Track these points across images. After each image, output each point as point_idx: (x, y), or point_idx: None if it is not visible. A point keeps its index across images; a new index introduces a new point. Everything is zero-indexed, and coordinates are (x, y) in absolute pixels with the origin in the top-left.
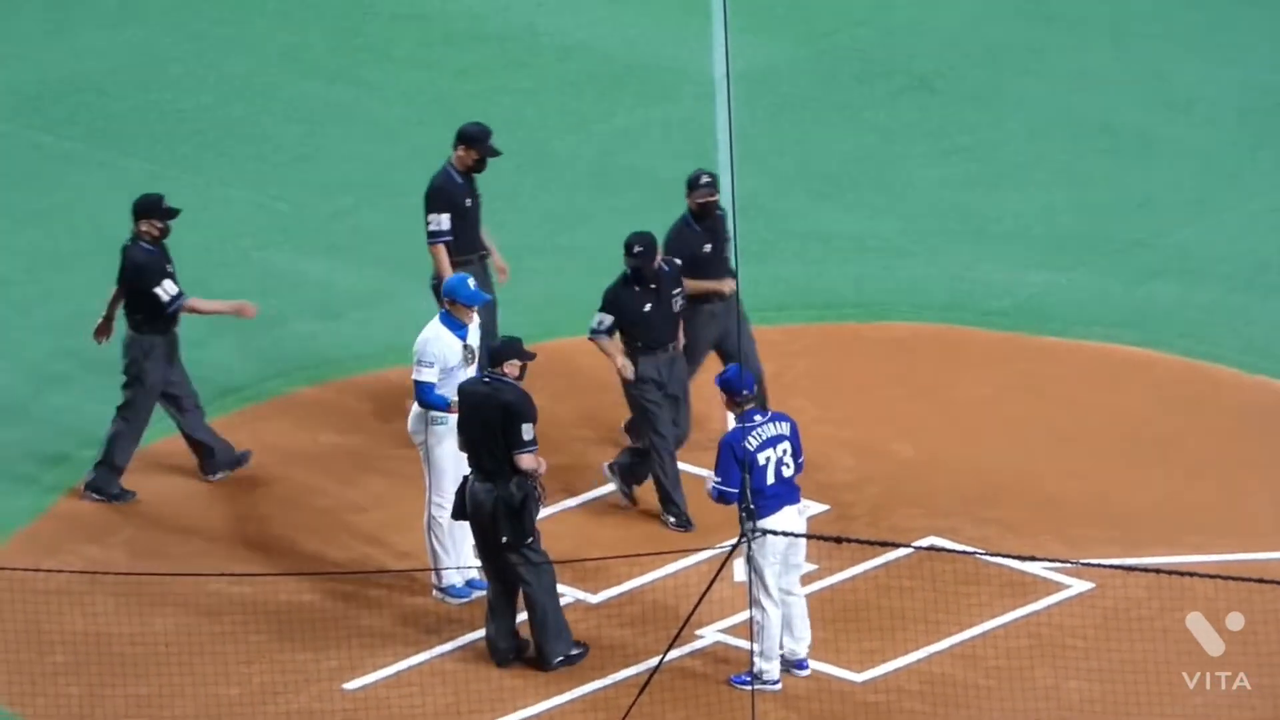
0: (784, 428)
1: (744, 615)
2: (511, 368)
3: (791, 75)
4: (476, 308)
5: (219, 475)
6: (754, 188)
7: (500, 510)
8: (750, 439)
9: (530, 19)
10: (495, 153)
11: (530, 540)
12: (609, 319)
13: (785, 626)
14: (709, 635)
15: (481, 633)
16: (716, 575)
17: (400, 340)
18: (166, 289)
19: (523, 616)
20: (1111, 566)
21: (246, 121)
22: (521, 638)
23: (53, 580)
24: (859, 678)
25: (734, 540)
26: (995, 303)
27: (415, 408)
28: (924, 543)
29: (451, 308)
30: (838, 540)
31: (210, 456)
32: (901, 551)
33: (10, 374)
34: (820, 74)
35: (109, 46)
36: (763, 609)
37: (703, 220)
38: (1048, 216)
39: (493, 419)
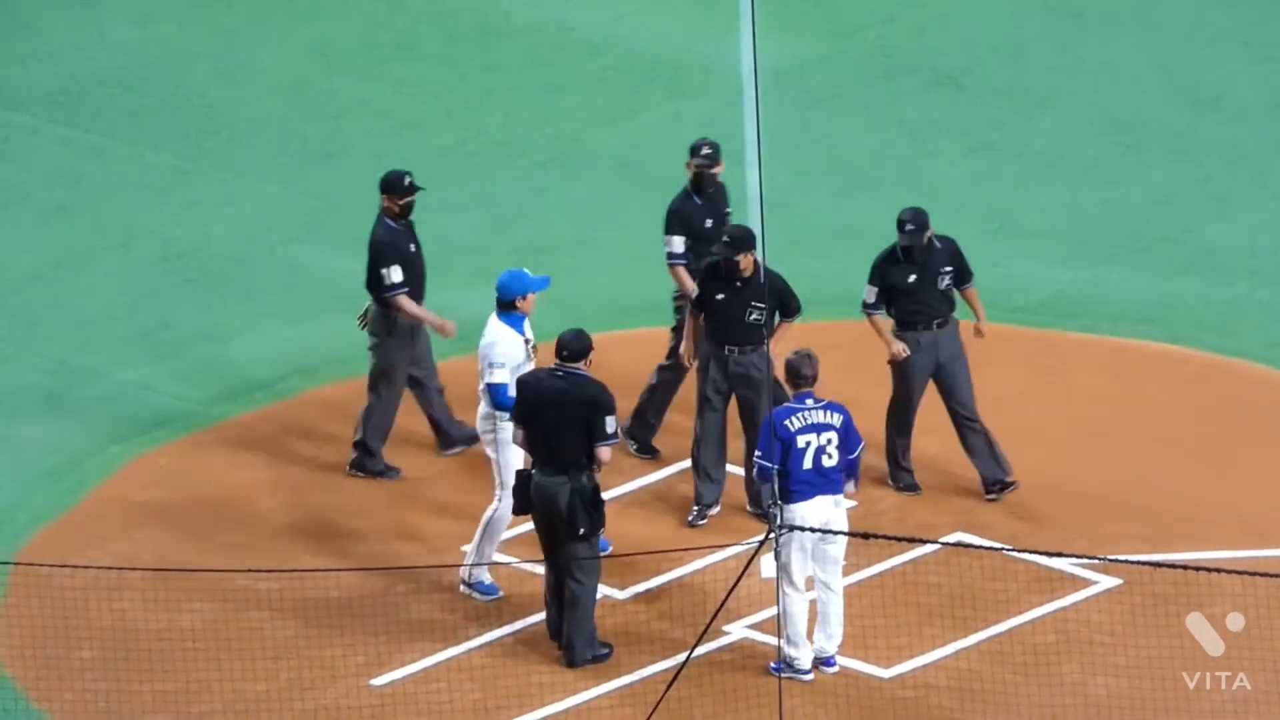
0: (834, 418)
1: (771, 611)
2: (588, 361)
3: (819, 72)
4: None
5: (454, 450)
6: (781, 184)
7: (576, 502)
8: (793, 420)
9: (559, 14)
10: (708, 163)
11: (602, 529)
12: (695, 291)
13: (820, 622)
14: (736, 631)
15: (509, 629)
16: (744, 571)
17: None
18: (392, 273)
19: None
20: (1139, 563)
21: (274, 117)
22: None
23: (79, 576)
24: (887, 673)
25: (761, 536)
26: (1022, 299)
27: (483, 407)
28: (951, 539)
29: (521, 304)
30: (865, 536)
31: (445, 434)
32: (929, 547)
33: (37, 369)
34: (848, 71)
35: (137, 41)
36: (785, 595)
37: (910, 252)
38: (1074, 212)
39: (573, 412)
